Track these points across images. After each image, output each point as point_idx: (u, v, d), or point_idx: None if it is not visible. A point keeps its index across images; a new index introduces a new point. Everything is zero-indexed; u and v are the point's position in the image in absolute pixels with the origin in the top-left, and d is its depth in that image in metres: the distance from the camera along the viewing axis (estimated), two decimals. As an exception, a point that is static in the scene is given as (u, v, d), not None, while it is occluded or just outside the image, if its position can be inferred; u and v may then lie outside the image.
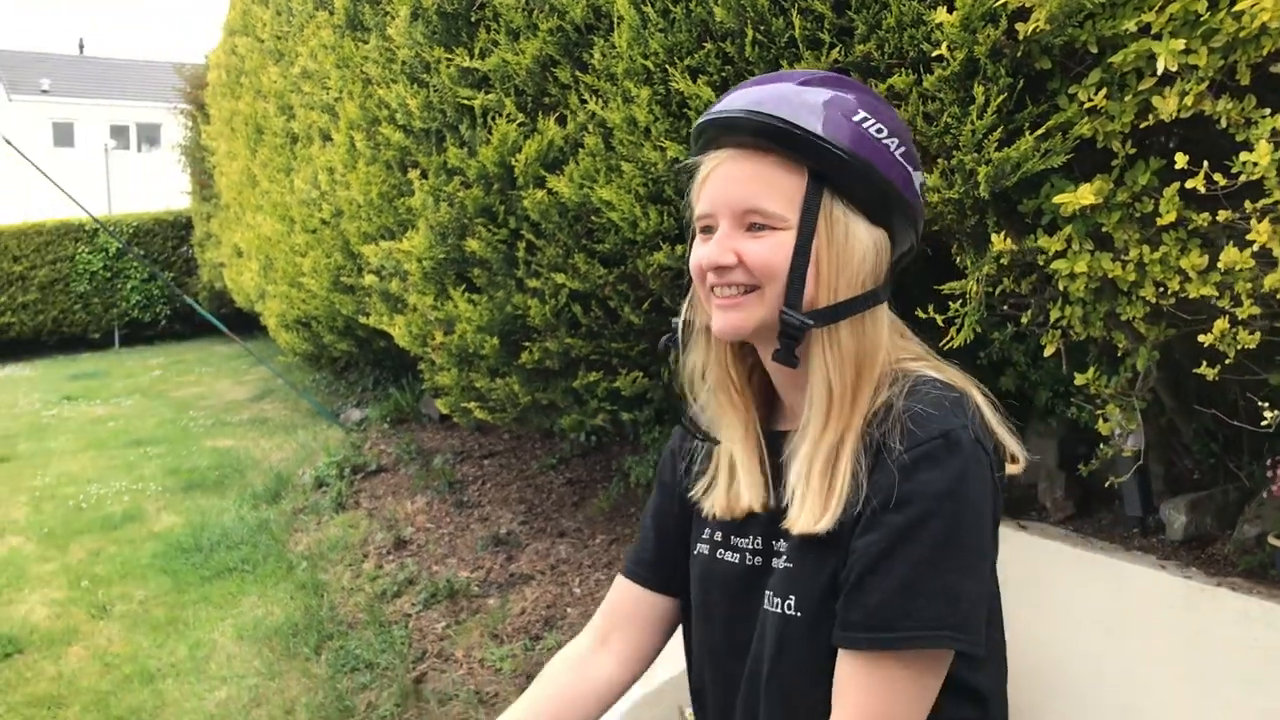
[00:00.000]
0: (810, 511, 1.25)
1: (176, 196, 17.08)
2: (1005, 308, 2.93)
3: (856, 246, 1.26)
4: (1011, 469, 1.28)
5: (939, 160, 2.61)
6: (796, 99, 1.23)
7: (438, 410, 7.38)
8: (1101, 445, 2.95)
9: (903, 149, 1.27)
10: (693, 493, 1.42)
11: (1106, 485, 3.07)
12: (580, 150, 3.47)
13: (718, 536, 1.40)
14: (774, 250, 1.24)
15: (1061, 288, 2.63)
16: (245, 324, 11.56)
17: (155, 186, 23.12)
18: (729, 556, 1.38)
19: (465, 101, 3.87)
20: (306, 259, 6.40)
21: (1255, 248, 2.23)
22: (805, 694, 1.26)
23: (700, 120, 1.29)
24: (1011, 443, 1.29)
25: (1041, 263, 2.59)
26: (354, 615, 4.51)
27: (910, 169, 1.29)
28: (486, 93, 3.80)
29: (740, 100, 1.26)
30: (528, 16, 3.57)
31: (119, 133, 29.72)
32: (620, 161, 3.30)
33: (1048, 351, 2.87)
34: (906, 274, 3.25)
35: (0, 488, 7.20)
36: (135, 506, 6.44)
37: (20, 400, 10.75)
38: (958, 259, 2.82)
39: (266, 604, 4.82)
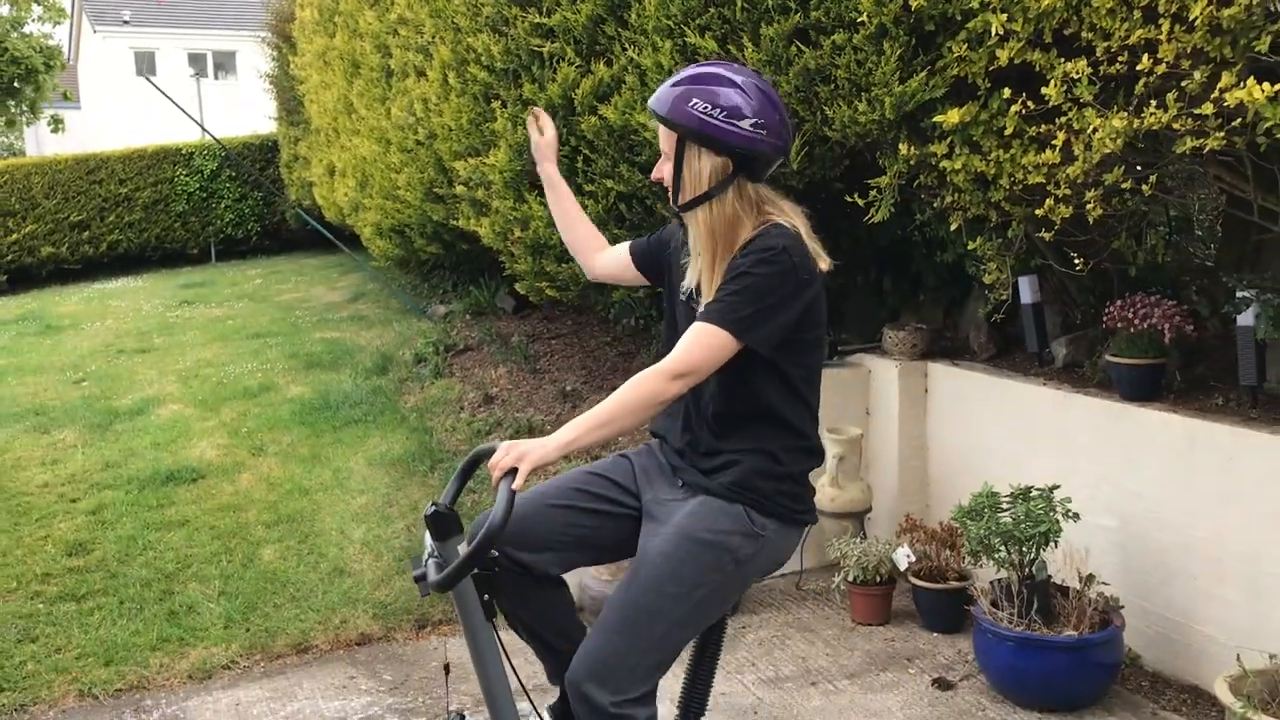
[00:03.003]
0: (708, 294, 2.46)
1: (256, 121, 18.41)
2: (923, 196, 4.13)
3: (703, 169, 2.40)
4: (823, 266, 2.47)
5: (863, 94, 3.80)
6: (666, 96, 2.40)
7: (510, 303, 8.69)
8: (988, 293, 4.16)
9: (724, 113, 2.36)
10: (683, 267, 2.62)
11: (990, 321, 4.26)
12: (623, 86, 4.68)
13: (693, 296, 2.59)
14: (666, 171, 2.44)
15: (950, 180, 3.82)
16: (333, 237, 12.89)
17: (233, 111, 24.47)
18: (698, 308, 2.60)
19: (536, 49, 5.09)
20: (401, 175, 7.67)
21: (1059, 149, 3.42)
22: (732, 391, 2.48)
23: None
24: (823, 256, 2.47)
25: (934, 162, 3.79)
26: (457, 446, 5.87)
27: (733, 123, 2.37)
28: (552, 42, 5.02)
29: (655, 96, 2.45)
30: (583, -15, 4.76)
31: (196, 60, 31.13)
32: (651, 94, 4.51)
33: (953, 226, 4.07)
34: (849, 172, 4.46)
35: (150, 370, 8.66)
36: (268, 380, 7.86)
37: (143, 305, 12.23)
38: (880, 162, 4.01)
39: (387, 442, 6.21)
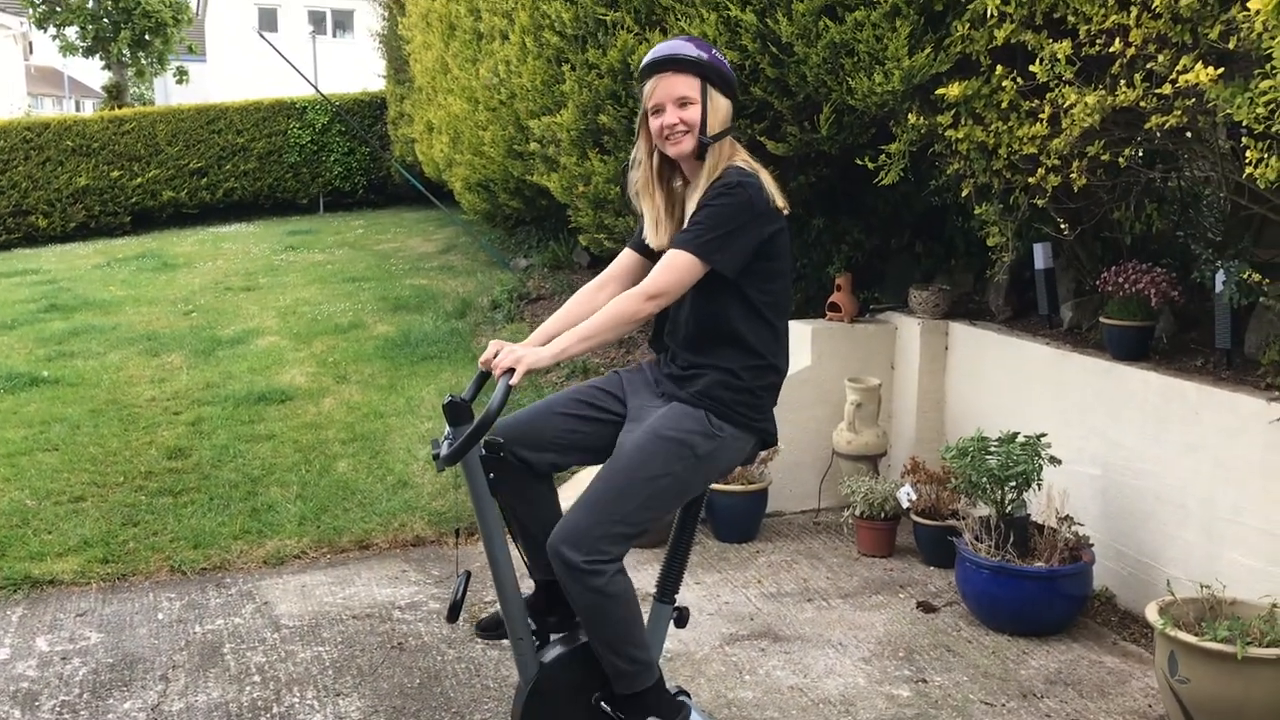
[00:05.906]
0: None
1: (370, 79, 19.19)
2: (936, 164, 4.48)
3: (721, 109, 2.87)
4: (779, 203, 2.88)
5: (879, 66, 4.17)
6: (686, 47, 2.82)
7: (586, 258, 9.18)
8: (992, 255, 4.50)
9: (727, 64, 2.85)
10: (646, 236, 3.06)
11: (995, 282, 4.59)
12: (674, 54, 5.09)
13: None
14: (693, 113, 2.87)
15: (957, 149, 4.18)
16: (431, 193, 13.54)
17: (350, 69, 25.32)
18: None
19: (600, 17, 5.53)
20: (487, 132, 8.19)
21: (1045, 122, 3.76)
22: (702, 313, 2.91)
23: (650, 59, 2.89)
24: (779, 198, 2.88)
25: (941, 131, 4.15)
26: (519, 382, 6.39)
27: (732, 72, 2.87)
28: (614, 11, 5.45)
29: (667, 50, 2.87)
30: (642, -40, 5.18)
31: (316, 18, 32.22)
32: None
33: (964, 193, 4.42)
34: (875, 140, 4.78)
35: (253, 306, 9.39)
36: (357, 319, 8.50)
37: (252, 249, 13.04)
38: (893, 129, 4.38)
39: (458, 376, 6.77)
